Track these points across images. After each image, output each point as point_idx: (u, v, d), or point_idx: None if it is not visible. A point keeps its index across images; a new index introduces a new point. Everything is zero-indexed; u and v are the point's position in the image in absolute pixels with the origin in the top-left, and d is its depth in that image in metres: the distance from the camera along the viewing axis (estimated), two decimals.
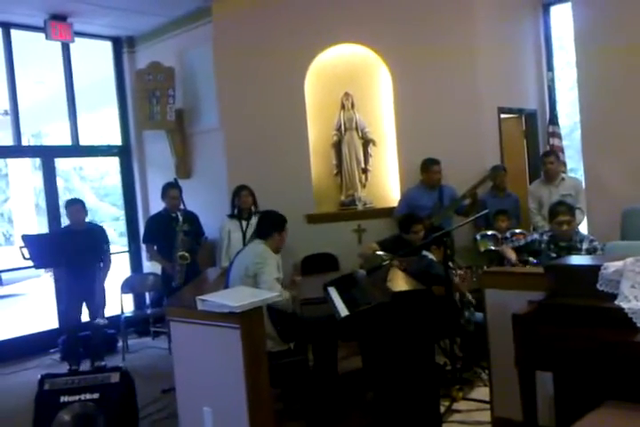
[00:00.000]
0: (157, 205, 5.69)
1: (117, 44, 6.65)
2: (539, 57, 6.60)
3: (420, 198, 5.33)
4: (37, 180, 10.10)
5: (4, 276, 9.56)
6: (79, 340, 5.01)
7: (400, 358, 3.22)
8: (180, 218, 5.10)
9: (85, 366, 4.88)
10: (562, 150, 6.06)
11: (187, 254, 5.08)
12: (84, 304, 5.01)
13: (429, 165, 5.35)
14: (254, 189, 5.23)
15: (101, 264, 5.08)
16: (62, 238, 4.77)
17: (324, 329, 3.68)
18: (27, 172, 11.74)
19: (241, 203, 5.17)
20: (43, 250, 4.23)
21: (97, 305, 5.05)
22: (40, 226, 10.81)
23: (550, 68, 6.60)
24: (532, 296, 2.75)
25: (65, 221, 5.35)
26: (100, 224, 5.43)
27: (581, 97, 5.22)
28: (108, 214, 13.58)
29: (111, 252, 5.31)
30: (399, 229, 4.74)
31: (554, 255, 3.84)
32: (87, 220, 5.23)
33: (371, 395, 3.72)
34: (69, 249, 4.25)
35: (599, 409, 2.39)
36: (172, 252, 5.12)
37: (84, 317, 5.08)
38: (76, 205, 5.07)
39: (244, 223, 5.15)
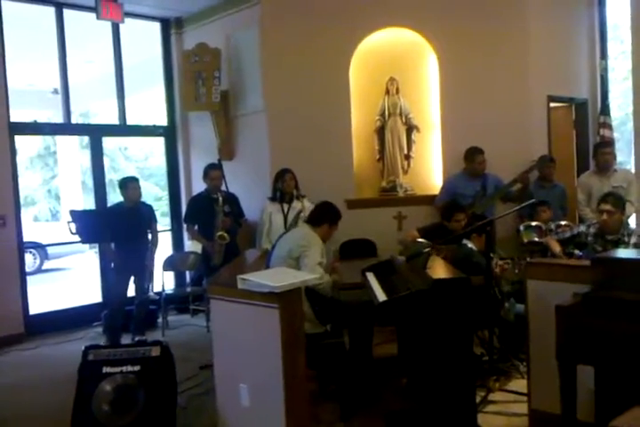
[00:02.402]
0: (200, 186, 5.76)
1: (166, 25, 6.71)
2: (592, 45, 6.40)
3: (463, 187, 5.27)
4: (84, 158, 10.35)
5: (50, 250, 9.88)
6: (123, 314, 5.14)
7: (437, 346, 3.20)
8: (221, 199, 5.16)
9: (127, 340, 5.01)
10: (612, 142, 5.89)
11: (226, 235, 5.14)
12: (132, 279, 5.14)
13: (474, 155, 5.28)
14: (296, 172, 5.25)
15: (149, 242, 5.21)
16: (111, 215, 4.89)
17: (362, 314, 3.68)
18: (74, 150, 12.02)
19: (284, 186, 5.19)
20: (89, 225, 4.33)
21: (145, 281, 5.18)
22: (86, 203, 11.09)
23: (604, 56, 6.39)
24: (576, 289, 2.70)
25: (111, 199, 5.48)
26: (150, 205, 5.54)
27: (635, 87, 5.05)
28: (150, 194, 13.83)
29: (158, 231, 5.44)
30: (441, 217, 4.70)
31: (600, 248, 3.75)
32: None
33: (405, 381, 3.72)
34: (120, 225, 4.35)
35: None
36: (212, 232, 5.19)
37: (130, 291, 5.21)
38: (135, 183, 5.19)
39: (286, 206, 5.18)
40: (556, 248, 3.87)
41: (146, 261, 5.10)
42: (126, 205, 5.14)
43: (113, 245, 5.02)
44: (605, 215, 3.77)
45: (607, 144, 5.27)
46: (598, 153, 5.15)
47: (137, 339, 4.98)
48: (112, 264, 5.17)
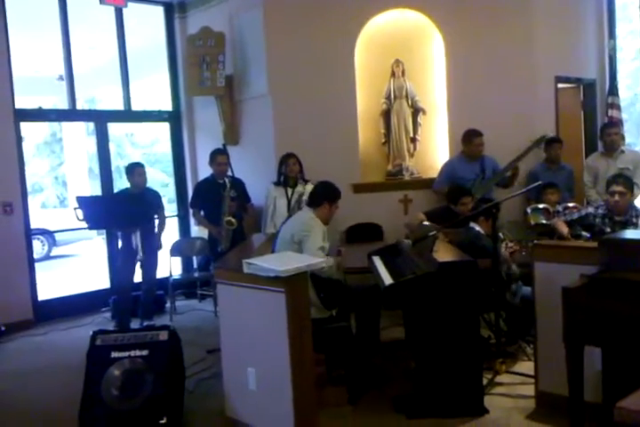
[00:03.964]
0: (206, 172, 5.75)
1: (169, 9, 6.65)
2: (600, 25, 6.31)
3: (461, 170, 5.22)
4: (91, 145, 10.34)
5: (58, 237, 9.93)
6: (130, 300, 5.17)
7: (444, 329, 3.21)
8: (228, 184, 5.15)
9: (135, 324, 5.05)
10: (621, 122, 5.83)
11: (233, 220, 5.14)
12: (139, 265, 5.16)
13: (472, 137, 5.22)
14: (301, 156, 5.22)
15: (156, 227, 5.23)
16: (118, 201, 4.90)
17: (368, 297, 3.69)
18: (81, 136, 12.03)
19: (288, 170, 5.18)
20: (96, 211, 4.34)
21: (151, 266, 5.20)
22: (93, 190, 11.12)
23: (612, 36, 6.29)
24: (583, 270, 2.69)
25: (118, 185, 5.48)
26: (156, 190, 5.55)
27: None
28: (157, 181, 13.84)
29: (165, 217, 5.45)
30: (447, 201, 4.68)
31: (608, 230, 3.72)
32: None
33: (412, 364, 3.73)
34: (126, 211, 4.35)
35: None
36: (218, 217, 5.19)
37: (137, 277, 5.24)
38: (141, 169, 5.20)
39: (290, 191, 5.17)
40: (564, 230, 3.85)
41: (151, 247, 5.10)
42: (132, 191, 5.14)
43: (119, 231, 5.02)
44: (617, 197, 3.74)
45: (614, 124, 5.21)
46: (605, 133, 5.09)
47: (145, 324, 5.01)
48: (119, 250, 5.20)
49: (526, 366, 3.64)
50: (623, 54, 7.71)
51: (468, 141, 5.23)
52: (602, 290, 2.49)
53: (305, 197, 4.78)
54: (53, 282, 7.39)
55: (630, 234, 3.01)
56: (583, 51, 6.17)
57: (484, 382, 3.40)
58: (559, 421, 2.92)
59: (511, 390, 3.47)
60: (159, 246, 5.30)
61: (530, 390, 3.33)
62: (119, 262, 5.22)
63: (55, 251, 10.28)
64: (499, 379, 3.57)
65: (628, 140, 6.36)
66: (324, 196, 3.73)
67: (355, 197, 5.42)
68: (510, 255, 4.05)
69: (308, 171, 5.25)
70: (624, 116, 6.34)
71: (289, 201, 5.17)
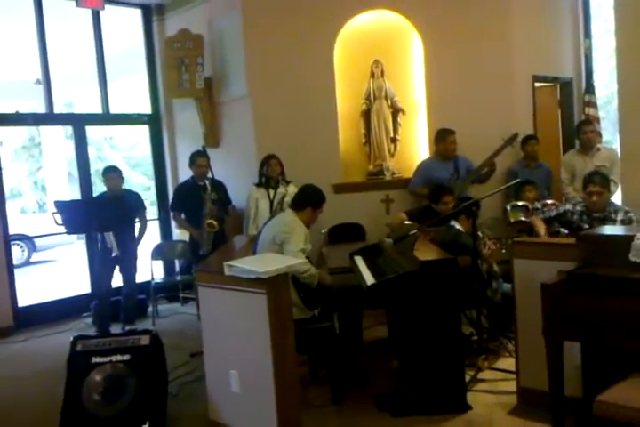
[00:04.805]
0: (186, 174, 5.72)
1: (147, 11, 6.61)
2: (576, 24, 6.38)
3: (436, 170, 5.24)
4: (70, 148, 10.24)
5: (38, 242, 9.82)
6: (110, 305, 5.13)
7: (426, 326, 3.23)
8: (208, 186, 5.13)
9: (117, 329, 5.00)
10: (598, 120, 5.90)
11: (215, 222, 5.12)
12: (118, 269, 5.12)
13: (445, 135, 5.25)
14: (282, 157, 5.22)
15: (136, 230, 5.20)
16: (96, 205, 4.85)
17: (351, 297, 3.69)
18: (59, 140, 11.91)
19: (269, 172, 5.17)
20: (75, 216, 4.29)
21: (131, 270, 5.16)
22: (72, 194, 11.01)
23: (588, 35, 6.37)
24: (562, 267, 2.71)
25: (98, 189, 5.45)
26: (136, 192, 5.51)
27: (619, 66, 5.03)
28: (138, 184, 13.74)
29: (146, 220, 5.41)
30: (429, 200, 4.70)
31: (586, 226, 3.76)
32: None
33: (396, 363, 3.75)
34: (104, 215, 4.31)
35: (626, 381, 2.37)
36: (199, 220, 5.17)
37: (117, 282, 5.19)
38: (113, 173, 5.17)
39: (272, 192, 5.16)
40: (541, 229, 3.86)
41: (129, 251, 5.06)
42: (109, 195, 5.11)
43: (98, 235, 4.98)
44: (595, 197, 3.77)
45: (589, 122, 5.28)
46: (581, 131, 5.15)
47: (127, 328, 4.97)
48: (97, 254, 5.16)
49: (508, 363, 3.67)
50: (599, 53, 7.81)
51: (442, 139, 5.26)
52: (580, 286, 2.52)
53: (287, 199, 4.78)
54: (33, 288, 7.30)
55: (607, 230, 3.05)
56: (560, 50, 6.23)
57: (467, 378, 3.43)
58: (541, 416, 2.95)
59: (493, 387, 3.50)
60: (136, 252, 5.25)
61: (512, 385, 3.36)
62: (97, 266, 5.18)
63: (35, 256, 10.17)
64: (481, 375, 3.60)
65: (605, 137, 6.44)
66: (309, 201, 3.73)
67: (336, 198, 5.42)
68: (488, 255, 4.08)
69: (289, 172, 5.25)
70: (601, 114, 6.42)
71: (271, 202, 5.16)
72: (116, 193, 5.10)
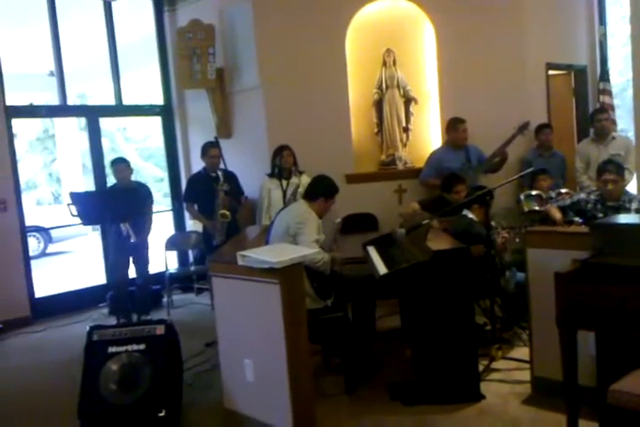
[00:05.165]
0: (199, 165, 5.73)
1: (158, 2, 6.60)
2: (590, 10, 6.30)
3: (447, 160, 5.21)
4: (83, 140, 10.31)
5: (53, 234, 9.92)
6: (127, 295, 5.18)
7: (439, 316, 3.23)
8: (221, 177, 5.14)
9: (132, 320, 5.05)
10: (612, 108, 5.84)
11: (227, 213, 5.14)
12: (131, 260, 5.16)
13: (456, 124, 5.22)
14: (294, 148, 5.22)
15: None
16: (109, 196, 4.89)
17: (364, 287, 3.70)
18: (73, 132, 11.98)
19: (282, 162, 5.17)
20: (90, 207, 4.32)
21: (143, 261, 5.20)
22: (87, 185, 11.10)
23: (602, 22, 6.29)
24: (576, 256, 2.69)
25: (112, 180, 5.48)
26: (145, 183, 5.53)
27: (635, 53, 4.96)
28: (151, 175, 13.83)
29: (154, 211, 5.42)
30: (441, 189, 4.69)
31: (601, 215, 3.74)
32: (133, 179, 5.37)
33: (409, 352, 3.75)
34: (115, 206, 4.34)
35: None
36: (212, 211, 5.19)
37: (131, 272, 5.24)
38: (122, 164, 5.20)
39: (284, 182, 5.17)
40: (557, 215, 3.86)
41: (140, 242, 5.08)
42: (119, 186, 5.15)
43: (113, 225, 5.02)
44: (611, 185, 3.75)
45: (603, 110, 5.22)
46: (595, 119, 5.10)
47: (142, 319, 5.02)
48: (111, 245, 5.20)
49: (522, 352, 3.67)
50: (615, 40, 7.69)
51: (454, 128, 5.23)
52: (594, 274, 2.51)
53: (301, 189, 4.78)
54: (50, 279, 7.39)
55: (621, 218, 3.02)
56: (574, 37, 6.16)
57: (480, 368, 3.43)
58: (555, 405, 2.94)
59: (507, 376, 3.50)
60: (147, 242, 5.29)
61: (526, 375, 3.36)
62: (112, 257, 5.22)
63: (51, 248, 10.28)
64: (495, 365, 3.60)
65: (620, 125, 6.39)
66: (321, 191, 3.73)
67: (348, 188, 5.42)
68: (502, 244, 4.07)
69: (301, 162, 5.26)
70: (616, 101, 6.36)
71: (284, 193, 5.17)
72: (124, 185, 5.12)
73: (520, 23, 5.49)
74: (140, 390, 3.13)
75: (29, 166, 13.13)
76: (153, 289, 5.65)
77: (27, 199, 7.59)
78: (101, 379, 3.16)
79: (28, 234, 6.70)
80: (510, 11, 5.47)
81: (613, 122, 5.65)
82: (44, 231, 9.72)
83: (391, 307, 4.39)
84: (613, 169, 3.77)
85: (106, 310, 5.70)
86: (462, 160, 5.18)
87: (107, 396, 3.13)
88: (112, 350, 3.24)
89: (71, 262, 9.91)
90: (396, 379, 3.52)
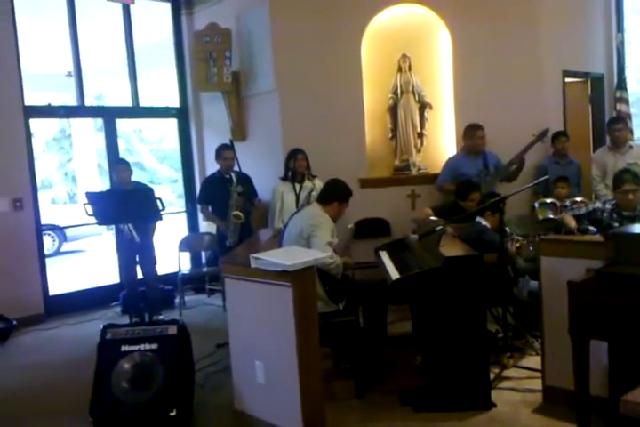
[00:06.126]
0: (213, 167, 5.77)
1: (176, 5, 6.67)
2: (608, 18, 6.28)
3: (465, 166, 5.20)
4: (99, 141, 10.41)
5: (68, 232, 10.02)
6: (138, 294, 5.21)
7: (450, 323, 3.22)
8: (235, 179, 5.17)
9: (145, 319, 5.08)
10: (629, 117, 5.81)
11: (241, 214, 5.16)
12: (138, 259, 5.20)
13: (474, 130, 5.21)
14: (308, 152, 5.23)
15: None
16: (124, 196, 4.91)
17: (375, 292, 3.70)
18: (89, 133, 12.09)
19: (296, 166, 5.18)
20: (105, 207, 4.36)
21: (148, 262, 5.22)
22: (102, 185, 11.19)
23: (620, 29, 6.27)
24: (590, 265, 2.69)
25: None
26: (147, 184, 5.54)
27: None
28: (166, 177, 13.90)
29: (161, 212, 5.43)
30: (456, 196, 4.68)
31: (616, 225, 3.72)
32: (140, 180, 5.41)
33: (420, 358, 3.75)
34: (130, 207, 4.37)
35: None
36: (226, 212, 5.21)
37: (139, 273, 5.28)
38: (122, 165, 5.24)
39: (298, 186, 5.18)
40: (572, 223, 3.84)
41: (145, 243, 5.09)
42: (120, 188, 5.17)
43: (121, 226, 5.04)
44: (631, 195, 3.74)
45: (619, 120, 5.19)
46: (610, 129, 5.08)
47: (154, 319, 5.05)
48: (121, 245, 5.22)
49: (534, 361, 3.65)
50: (633, 48, 7.64)
51: (471, 135, 5.23)
52: (607, 284, 2.50)
53: (315, 193, 4.79)
54: (64, 277, 7.46)
55: (636, 228, 3.01)
56: (591, 45, 6.14)
57: (492, 376, 3.42)
58: (566, 415, 2.93)
59: (518, 385, 3.48)
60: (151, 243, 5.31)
61: (537, 384, 3.34)
62: (122, 257, 5.26)
63: (65, 246, 10.37)
64: (506, 373, 3.59)
65: (637, 134, 6.34)
66: (335, 195, 3.74)
67: (362, 192, 5.42)
68: (517, 250, 4.05)
69: (315, 166, 5.26)
70: (633, 110, 6.31)
71: (297, 196, 5.18)
72: (124, 186, 5.14)
73: (537, 30, 5.49)
74: (152, 390, 3.16)
75: (46, 166, 13.26)
76: (164, 289, 5.68)
77: (42, 198, 7.66)
78: (114, 378, 3.20)
79: (44, 232, 6.77)
80: (527, 17, 5.46)
81: (630, 131, 5.61)
82: (58, 230, 9.81)
83: (403, 312, 4.38)
84: (632, 179, 3.76)
85: (119, 309, 5.75)
86: (479, 167, 5.17)
87: (119, 394, 3.16)
88: (125, 348, 3.28)
89: (85, 261, 10.00)
90: (406, 385, 3.51)
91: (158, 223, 5.31)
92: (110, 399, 3.15)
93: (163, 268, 5.51)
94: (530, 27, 5.46)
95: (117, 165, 5.29)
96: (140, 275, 5.29)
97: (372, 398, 3.44)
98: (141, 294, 5.27)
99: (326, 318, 3.38)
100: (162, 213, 5.16)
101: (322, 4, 5.48)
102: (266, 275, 2.92)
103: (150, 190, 5.13)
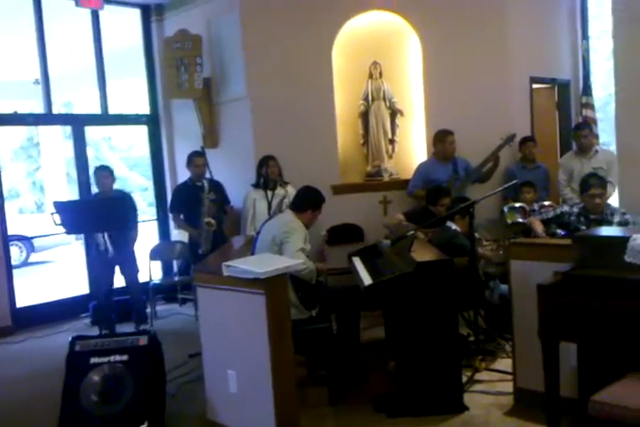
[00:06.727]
0: (184, 175, 5.73)
1: (146, 11, 6.61)
2: (573, 25, 6.41)
3: (435, 172, 5.25)
4: (68, 149, 10.25)
5: (36, 243, 9.82)
6: (111, 305, 5.13)
7: (423, 327, 3.24)
8: (206, 186, 5.14)
9: (130, 329, 4.99)
10: (595, 122, 5.93)
11: (213, 221, 5.13)
12: (119, 270, 5.13)
13: (444, 136, 5.27)
14: (280, 158, 5.22)
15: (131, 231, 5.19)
16: (93, 205, 4.86)
17: (348, 298, 3.70)
18: (58, 141, 11.90)
19: (268, 173, 5.17)
20: (74, 216, 4.29)
21: (132, 270, 5.16)
22: (71, 194, 11.02)
23: (585, 36, 6.40)
24: (558, 268, 2.72)
25: (96, 190, 5.45)
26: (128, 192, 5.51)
27: (617, 68, 5.05)
28: (136, 185, 13.74)
29: (138, 220, 5.39)
30: (426, 201, 4.72)
31: (583, 228, 3.78)
32: (116, 188, 5.35)
33: (393, 364, 3.75)
34: (100, 216, 4.31)
35: (622, 381, 2.38)
36: (198, 220, 5.17)
37: (120, 282, 5.20)
38: (104, 172, 5.18)
39: (270, 193, 5.17)
40: (539, 228, 3.90)
41: (128, 251, 5.06)
42: (101, 195, 5.12)
43: (95, 235, 4.98)
44: (598, 199, 3.80)
45: (585, 126, 5.29)
46: (576, 135, 5.18)
47: (141, 328, 4.98)
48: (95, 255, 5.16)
49: (505, 364, 3.68)
50: (597, 55, 7.81)
51: (442, 140, 5.28)
52: (575, 286, 2.53)
53: (287, 200, 4.78)
54: (32, 288, 7.31)
55: (603, 231, 3.06)
56: (557, 51, 6.26)
57: (464, 379, 3.44)
58: (537, 416, 2.96)
59: (490, 388, 3.51)
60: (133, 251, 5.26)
61: (508, 386, 3.38)
62: (96, 267, 5.19)
63: (33, 257, 10.16)
64: (478, 376, 3.62)
65: (603, 139, 6.48)
66: (308, 203, 3.73)
67: (335, 199, 5.43)
68: (486, 256, 4.10)
69: (287, 172, 5.26)
70: (599, 115, 6.44)
71: (269, 203, 5.16)
72: (106, 193, 5.11)
73: (505, 37, 5.58)
74: (122, 402, 3.11)
75: (12, 175, 13.00)
76: (143, 297, 5.60)
77: (9, 208, 7.51)
78: (82, 390, 3.13)
79: (11, 243, 6.62)
80: (495, 25, 5.55)
81: (596, 136, 5.73)
82: (26, 240, 9.62)
83: (375, 318, 4.39)
84: (598, 183, 3.83)
85: (88, 320, 5.64)
86: (449, 172, 5.23)
87: (88, 407, 3.10)
88: (94, 360, 3.21)
89: (53, 272, 9.81)
90: (380, 391, 3.51)
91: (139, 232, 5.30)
92: (79, 413, 3.08)
93: (140, 276, 5.43)
94: (498, 34, 5.55)
95: (101, 171, 5.23)
96: (116, 284, 5.21)
97: (345, 404, 3.44)
98: (115, 304, 5.19)
99: (299, 325, 3.36)
100: (137, 221, 5.19)
101: (293, 10, 5.50)
102: (238, 283, 2.90)
103: (124, 199, 5.09)
